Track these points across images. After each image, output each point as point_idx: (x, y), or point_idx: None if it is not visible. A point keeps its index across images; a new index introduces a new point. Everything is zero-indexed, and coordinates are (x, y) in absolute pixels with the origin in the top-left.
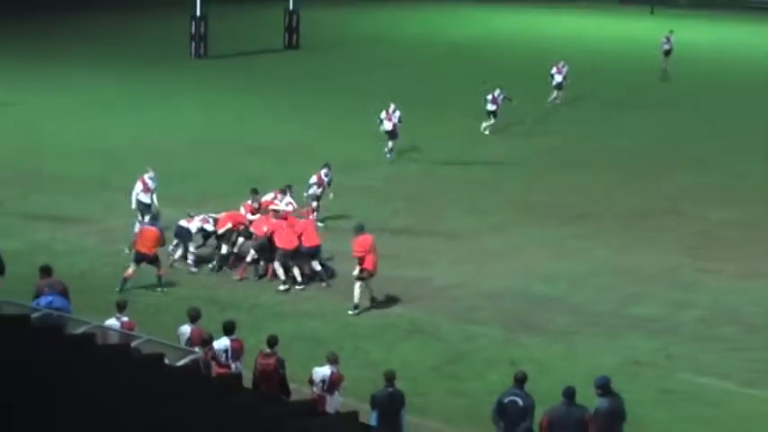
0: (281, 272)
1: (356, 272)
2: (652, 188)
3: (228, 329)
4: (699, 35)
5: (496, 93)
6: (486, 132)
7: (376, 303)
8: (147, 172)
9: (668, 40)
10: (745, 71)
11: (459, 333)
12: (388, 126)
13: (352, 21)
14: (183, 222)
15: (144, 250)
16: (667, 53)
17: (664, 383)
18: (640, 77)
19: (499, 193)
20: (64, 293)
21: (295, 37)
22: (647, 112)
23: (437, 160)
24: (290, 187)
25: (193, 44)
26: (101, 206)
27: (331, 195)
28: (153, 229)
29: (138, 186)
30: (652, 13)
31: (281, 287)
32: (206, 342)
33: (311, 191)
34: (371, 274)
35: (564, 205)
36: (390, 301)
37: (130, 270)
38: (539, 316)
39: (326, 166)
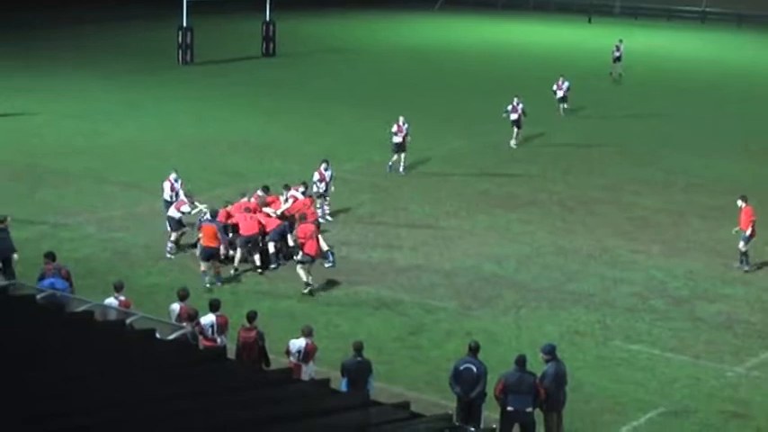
0: (256, 258)
1: (299, 257)
2: (594, 180)
3: (214, 307)
4: (633, 42)
5: (515, 102)
6: (514, 146)
7: (311, 292)
8: (171, 173)
9: (618, 48)
10: (678, 74)
11: (420, 307)
12: (397, 139)
13: (324, 30)
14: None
15: (210, 245)
16: (617, 59)
17: (600, 351)
18: (585, 81)
19: (455, 185)
20: (66, 277)
21: (272, 45)
22: (592, 112)
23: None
24: (287, 186)
25: (180, 52)
26: (100, 198)
27: (332, 189)
28: (212, 225)
29: (167, 189)
30: (590, 21)
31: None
32: (192, 317)
33: (315, 188)
34: (313, 259)
35: (511, 194)
36: (359, 280)
37: (203, 266)
38: (490, 292)
39: (325, 161)
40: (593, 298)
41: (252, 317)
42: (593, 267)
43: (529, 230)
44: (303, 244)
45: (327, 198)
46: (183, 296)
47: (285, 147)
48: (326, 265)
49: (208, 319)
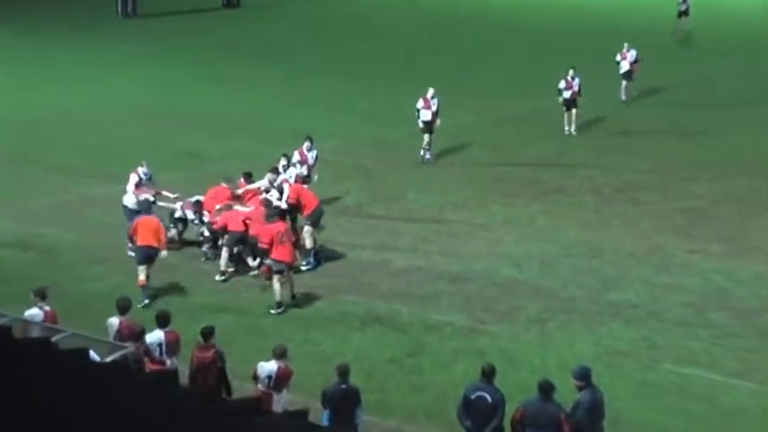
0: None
1: (273, 266)
2: (636, 161)
3: (163, 321)
4: None
5: (569, 75)
6: (574, 132)
7: (296, 300)
8: (141, 166)
9: (685, 0)
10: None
11: (421, 322)
12: (426, 116)
13: None
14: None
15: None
16: (683, 14)
17: (646, 375)
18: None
19: (462, 168)
20: None
21: None
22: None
23: (392, 131)
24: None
25: (120, 2)
26: (19, 185)
27: (315, 177)
28: (153, 218)
29: (131, 184)
30: None
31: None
32: (136, 335)
33: (297, 172)
34: (289, 266)
35: (534, 180)
36: (344, 286)
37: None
38: (507, 302)
39: (308, 139)
40: (636, 310)
41: (208, 333)
42: (636, 271)
43: (556, 225)
44: (269, 249)
45: (308, 185)
46: (123, 308)
47: (252, 122)
48: (303, 268)
49: (155, 336)
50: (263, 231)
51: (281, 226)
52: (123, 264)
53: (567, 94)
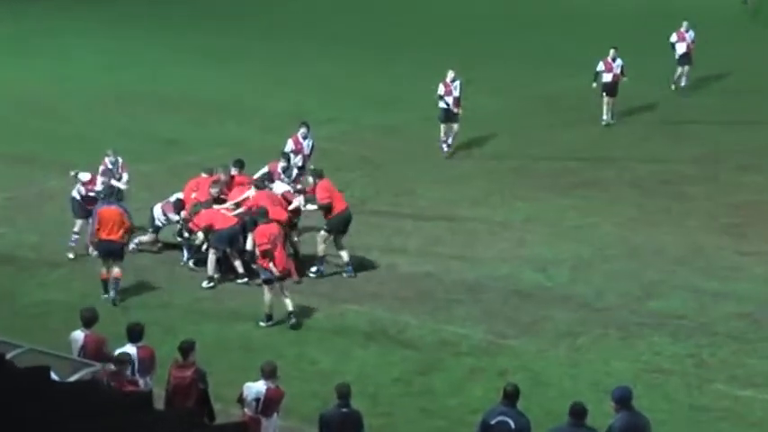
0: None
1: (263, 275)
2: (683, 149)
3: (134, 335)
4: None
5: (610, 56)
6: (611, 121)
7: (293, 315)
8: (107, 155)
9: None
10: None
11: (432, 335)
12: (445, 103)
13: None
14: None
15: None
16: None
17: (695, 397)
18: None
19: (481, 157)
20: None
21: None
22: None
23: (400, 116)
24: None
25: None
26: None
27: (311, 166)
28: (115, 208)
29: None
30: None
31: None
32: (102, 351)
33: (293, 162)
34: (282, 276)
35: (564, 171)
36: (345, 295)
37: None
38: (533, 312)
39: (304, 125)
40: (682, 321)
41: (187, 348)
42: (682, 276)
43: (589, 223)
44: (268, 251)
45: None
46: (89, 320)
47: (239, 103)
48: (311, 274)
49: (126, 350)
50: (258, 231)
51: (274, 228)
52: (87, 268)
53: (606, 78)
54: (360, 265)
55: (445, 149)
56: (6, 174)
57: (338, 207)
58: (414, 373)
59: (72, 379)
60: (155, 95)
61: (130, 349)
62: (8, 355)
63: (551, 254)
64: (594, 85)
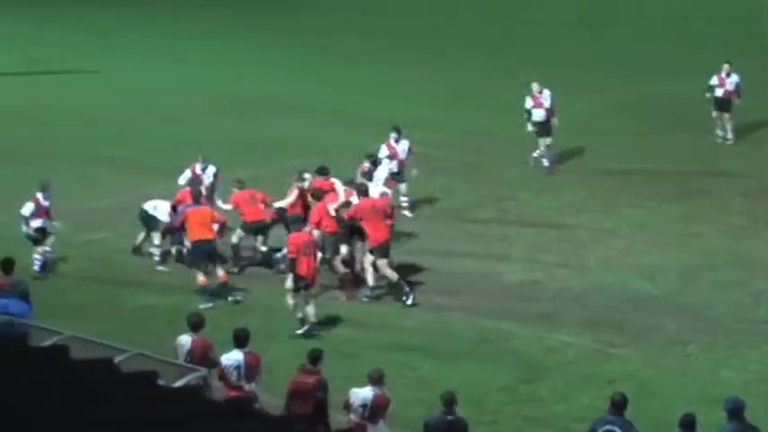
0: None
1: (288, 281)
2: None
3: (241, 340)
4: None
5: (724, 71)
6: (730, 141)
7: (315, 325)
8: (198, 161)
9: None
10: None
11: (538, 343)
12: (538, 115)
13: None
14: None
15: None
16: None
17: None
18: None
19: (584, 163)
20: (23, 296)
21: None
22: None
23: (497, 120)
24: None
25: None
26: (78, 183)
27: (414, 171)
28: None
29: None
30: None
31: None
32: (209, 356)
33: (388, 167)
34: (309, 284)
35: (672, 178)
36: (448, 303)
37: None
38: (641, 321)
39: (395, 130)
40: None
41: (317, 356)
42: None
43: (697, 232)
44: (295, 260)
45: (404, 183)
46: (196, 324)
47: (326, 107)
48: (364, 299)
49: (233, 357)
50: (290, 239)
51: (306, 236)
52: (190, 272)
53: (718, 93)
54: (461, 272)
55: (546, 165)
56: (111, 179)
57: (379, 234)
58: (519, 381)
59: (178, 384)
60: (270, 101)
61: (237, 355)
62: (116, 359)
63: (658, 262)
64: (708, 95)
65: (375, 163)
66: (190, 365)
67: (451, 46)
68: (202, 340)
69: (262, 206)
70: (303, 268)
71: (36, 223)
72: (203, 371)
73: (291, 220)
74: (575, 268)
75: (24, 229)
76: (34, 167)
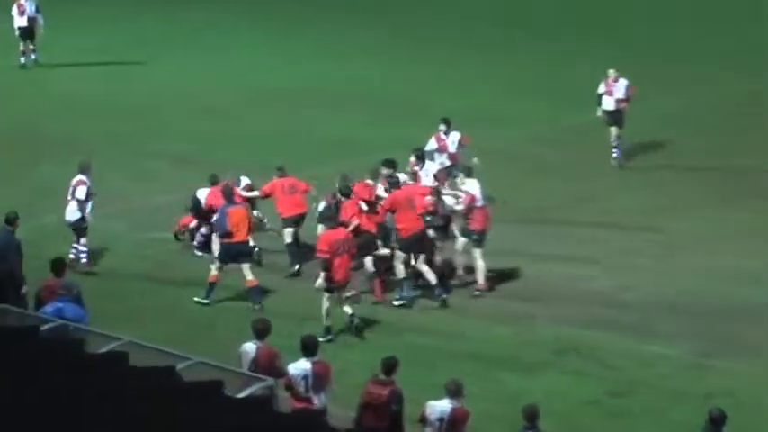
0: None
1: (320, 281)
2: None
3: (309, 348)
4: None
5: None
6: None
7: (356, 329)
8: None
9: None
10: None
11: (629, 354)
12: (609, 104)
13: None
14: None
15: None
16: None
17: None
18: None
19: (678, 161)
20: (78, 299)
21: None
22: None
23: (585, 114)
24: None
25: None
26: (134, 179)
27: (475, 160)
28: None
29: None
30: None
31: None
32: (277, 366)
33: (437, 161)
34: (342, 285)
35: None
36: (530, 310)
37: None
38: (743, 331)
39: (444, 122)
40: None
41: (391, 366)
42: None
43: None
44: (330, 261)
45: (458, 178)
46: (261, 331)
47: (418, 102)
48: (395, 303)
49: (300, 366)
50: (323, 237)
51: (341, 234)
52: (261, 277)
53: None
54: (545, 277)
55: (615, 156)
56: (171, 175)
57: (410, 226)
58: (607, 395)
59: (242, 395)
60: (326, 93)
61: (305, 364)
62: (178, 366)
63: (758, 267)
64: None
65: (421, 157)
66: (255, 375)
67: (568, 41)
68: (268, 348)
69: (301, 197)
70: (335, 268)
71: (88, 208)
72: (269, 381)
73: (326, 216)
74: (667, 273)
75: (77, 216)
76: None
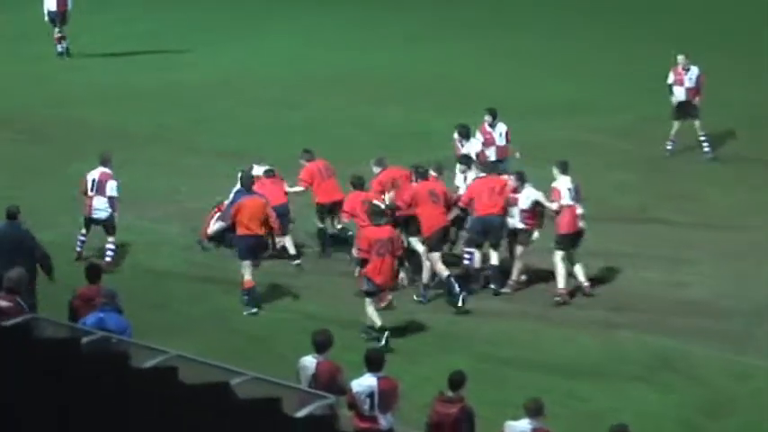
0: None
1: (363, 283)
2: None
3: (374, 363)
4: None
5: None
6: None
7: (386, 345)
8: (258, 162)
9: None
10: None
11: (728, 370)
12: (679, 94)
13: None
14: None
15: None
16: None
17: None
18: None
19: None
20: (119, 308)
21: None
22: None
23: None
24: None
25: None
26: (183, 176)
27: (517, 155)
28: (258, 199)
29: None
30: None
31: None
32: (339, 383)
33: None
34: (382, 287)
35: None
36: (619, 320)
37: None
38: None
39: (489, 112)
40: None
41: (457, 381)
42: None
43: None
44: (366, 259)
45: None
46: (322, 344)
47: (504, 92)
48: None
49: (365, 383)
50: (364, 234)
51: (384, 232)
52: (319, 282)
53: None
54: (637, 282)
55: (707, 150)
56: (221, 172)
57: (432, 222)
58: (703, 415)
59: (302, 414)
60: (403, 80)
61: (370, 380)
62: (232, 382)
63: None
64: None
65: (465, 134)
66: (315, 392)
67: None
68: (329, 363)
69: (337, 182)
70: (374, 269)
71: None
72: (331, 398)
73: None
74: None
75: (108, 212)
76: (123, 158)
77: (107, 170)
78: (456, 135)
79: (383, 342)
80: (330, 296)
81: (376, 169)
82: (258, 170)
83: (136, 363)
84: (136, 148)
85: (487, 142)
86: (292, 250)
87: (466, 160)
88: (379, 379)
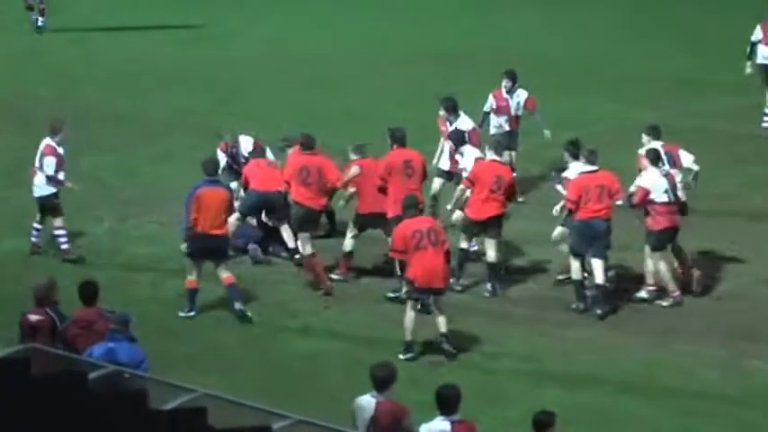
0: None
1: (405, 287)
2: None
3: (448, 403)
4: None
5: None
6: None
7: (446, 354)
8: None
9: None
10: None
11: None
12: (764, 55)
13: None
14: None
15: None
16: None
17: None
18: None
19: None
20: (132, 336)
21: None
22: None
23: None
24: None
25: None
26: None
27: (547, 133)
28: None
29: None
30: None
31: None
32: (404, 427)
33: (493, 124)
34: (424, 289)
35: None
36: (751, 349)
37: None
38: None
39: (508, 76)
40: None
41: (544, 423)
42: None
43: None
44: (406, 260)
45: (514, 151)
46: (383, 380)
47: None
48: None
49: (436, 428)
50: (396, 232)
51: (420, 223)
52: (371, 299)
53: None
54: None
55: (765, 125)
56: None
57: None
58: None
59: None
60: (447, 55)
61: (442, 425)
62: (275, 426)
63: None
64: None
65: (452, 109)
66: None
67: None
68: (392, 404)
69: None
70: (416, 268)
71: (61, 177)
72: None
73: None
74: None
75: (48, 191)
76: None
77: (52, 143)
78: (441, 111)
79: (405, 355)
80: (381, 317)
81: (353, 156)
82: (246, 140)
83: (155, 403)
84: (153, 136)
85: (499, 110)
86: (291, 243)
87: (458, 139)
88: (453, 423)
